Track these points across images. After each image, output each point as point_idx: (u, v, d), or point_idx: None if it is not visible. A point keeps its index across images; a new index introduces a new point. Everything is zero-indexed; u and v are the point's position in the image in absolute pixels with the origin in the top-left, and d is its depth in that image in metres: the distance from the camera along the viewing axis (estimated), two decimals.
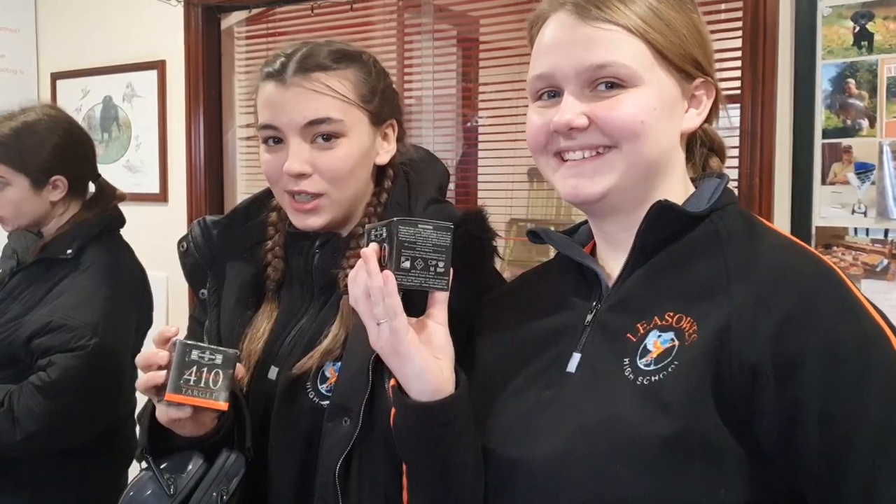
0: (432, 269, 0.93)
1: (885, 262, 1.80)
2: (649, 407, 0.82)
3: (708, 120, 0.96)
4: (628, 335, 0.88)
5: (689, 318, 0.85)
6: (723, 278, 0.85)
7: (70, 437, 1.73)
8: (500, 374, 0.98)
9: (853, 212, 1.83)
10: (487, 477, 0.93)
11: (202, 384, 1.04)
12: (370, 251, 0.92)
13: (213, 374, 1.04)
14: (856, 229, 1.83)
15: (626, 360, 0.87)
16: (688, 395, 0.81)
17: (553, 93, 0.92)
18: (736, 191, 2.02)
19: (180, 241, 1.28)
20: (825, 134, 1.86)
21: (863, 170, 1.82)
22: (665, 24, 0.89)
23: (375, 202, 1.19)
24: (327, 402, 1.09)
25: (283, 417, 1.12)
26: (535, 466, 0.88)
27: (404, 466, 1.00)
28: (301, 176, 1.11)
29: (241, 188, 3.09)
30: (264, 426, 1.14)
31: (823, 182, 1.87)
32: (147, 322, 1.92)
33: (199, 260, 1.25)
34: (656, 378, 0.83)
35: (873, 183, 1.80)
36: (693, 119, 0.93)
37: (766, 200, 1.92)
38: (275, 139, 1.14)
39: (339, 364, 1.10)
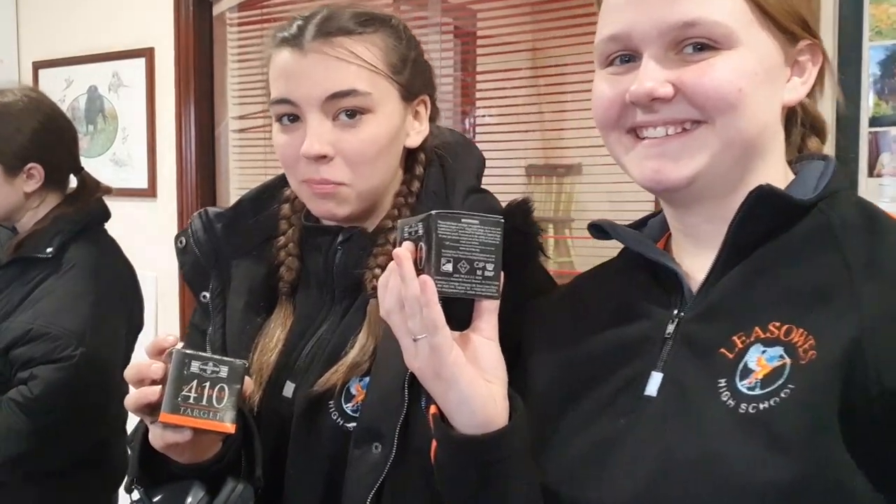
0: (479, 272, 0.78)
1: None
2: (759, 442, 0.67)
3: (810, 93, 0.81)
4: (722, 350, 0.73)
5: (801, 330, 0.70)
6: (844, 280, 0.70)
7: (56, 458, 1.58)
8: (559, 398, 0.83)
9: None
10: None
11: (204, 402, 0.88)
12: (404, 251, 0.78)
13: (217, 389, 0.88)
14: None
15: (723, 381, 0.72)
16: (810, 427, 0.66)
17: (628, 57, 0.77)
18: None
19: (178, 237, 1.13)
20: (873, 122, 1.74)
21: None
22: None
23: (406, 191, 1.04)
24: (353, 423, 0.94)
25: (302, 441, 0.97)
26: None
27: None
28: (321, 158, 0.96)
29: (234, 184, 2.98)
30: (278, 451, 0.98)
31: (870, 174, 1.75)
32: (137, 326, 1.77)
33: (200, 258, 1.10)
34: (766, 405, 0.68)
35: None
36: (797, 89, 0.79)
37: None
38: (290, 116, 0.98)
39: (366, 380, 0.95)
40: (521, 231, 0.97)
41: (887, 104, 1.71)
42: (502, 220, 0.80)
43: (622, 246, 0.89)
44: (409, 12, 2.72)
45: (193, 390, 0.87)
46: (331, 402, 0.96)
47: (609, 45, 0.78)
